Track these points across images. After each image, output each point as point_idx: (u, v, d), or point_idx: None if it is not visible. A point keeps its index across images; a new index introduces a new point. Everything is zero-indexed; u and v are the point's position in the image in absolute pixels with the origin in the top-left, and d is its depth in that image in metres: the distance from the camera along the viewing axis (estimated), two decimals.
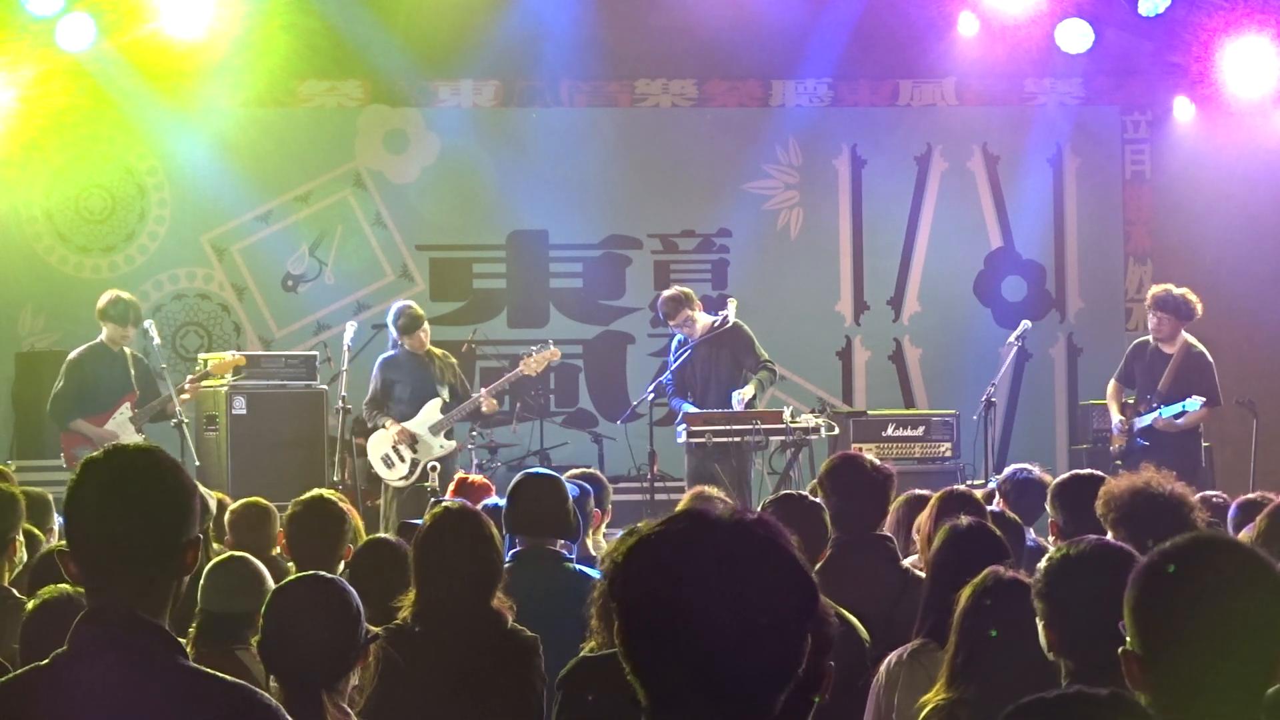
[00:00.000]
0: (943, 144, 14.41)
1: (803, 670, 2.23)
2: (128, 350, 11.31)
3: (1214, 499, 7.34)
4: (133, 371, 11.22)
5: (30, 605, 4.49)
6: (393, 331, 11.60)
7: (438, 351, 11.72)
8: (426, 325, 11.62)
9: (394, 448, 11.46)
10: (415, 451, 11.43)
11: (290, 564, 6.83)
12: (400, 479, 11.45)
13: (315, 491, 6.57)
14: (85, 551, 2.95)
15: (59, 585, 4.50)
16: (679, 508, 2.49)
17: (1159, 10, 12.84)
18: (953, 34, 13.75)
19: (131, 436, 11.24)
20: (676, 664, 2.18)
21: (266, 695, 2.99)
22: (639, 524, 2.47)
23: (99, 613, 2.90)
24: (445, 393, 11.51)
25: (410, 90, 13.97)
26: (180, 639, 5.16)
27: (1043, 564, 3.89)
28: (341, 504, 6.34)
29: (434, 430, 11.42)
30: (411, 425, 11.43)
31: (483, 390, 11.53)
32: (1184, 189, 14.16)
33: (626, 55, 14.03)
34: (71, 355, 11.44)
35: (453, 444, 11.46)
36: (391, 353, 11.64)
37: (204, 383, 11.85)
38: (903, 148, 14.40)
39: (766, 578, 2.20)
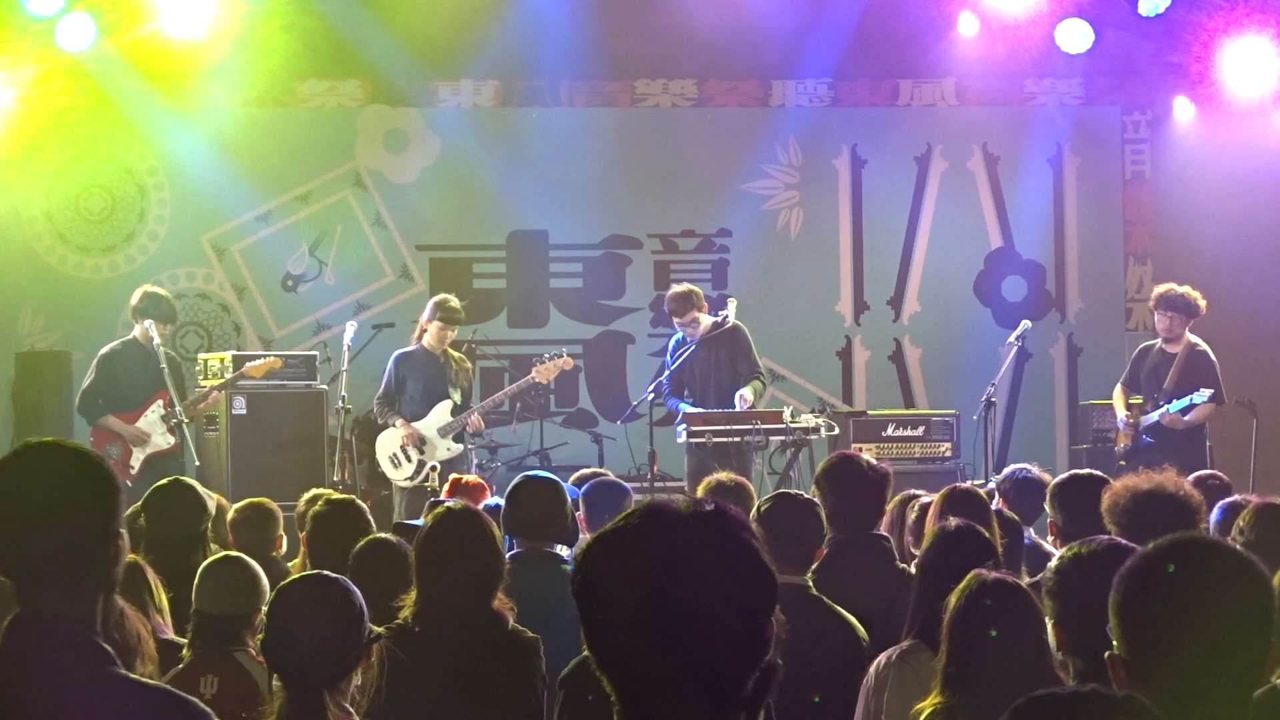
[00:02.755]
0: (943, 144, 14.41)
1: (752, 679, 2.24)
2: (162, 349, 11.27)
3: (1210, 480, 7.31)
4: (166, 369, 11.19)
5: None
6: (427, 313, 11.53)
7: (455, 354, 11.68)
8: (457, 330, 11.56)
9: (402, 448, 11.46)
10: (422, 453, 11.43)
11: (293, 562, 6.85)
12: (406, 479, 11.44)
13: (345, 495, 6.65)
14: (2, 557, 2.86)
15: None
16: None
17: (1159, 10, 12.84)
18: (953, 34, 13.75)
19: (162, 436, 11.26)
20: (643, 657, 2.20)
21: (198, 703, 2.89)
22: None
23: (22, 620, 2.80)
24: (457, 395, 11.49)
25: (410, 90, 13.97)
26: (180, 639, 5.20)
27: (1054, 562, 3.90)
28: (366, 511, 6.41)
29: (442, 433, 11.41)
30: (421, 426, 11.41)
31: (474, 409, 11.45)
32: (1184, 189, 14.16)
33: (626, 55, 14.03)
34: (103, 350, 11.45)
35: (460, 448, 11.44)
36: (408, 349, 11.62)
37: (205, 383, 11.87)
38: (903, 148, 14.40)
39: (726, 565, 2.22)
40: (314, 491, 7.74)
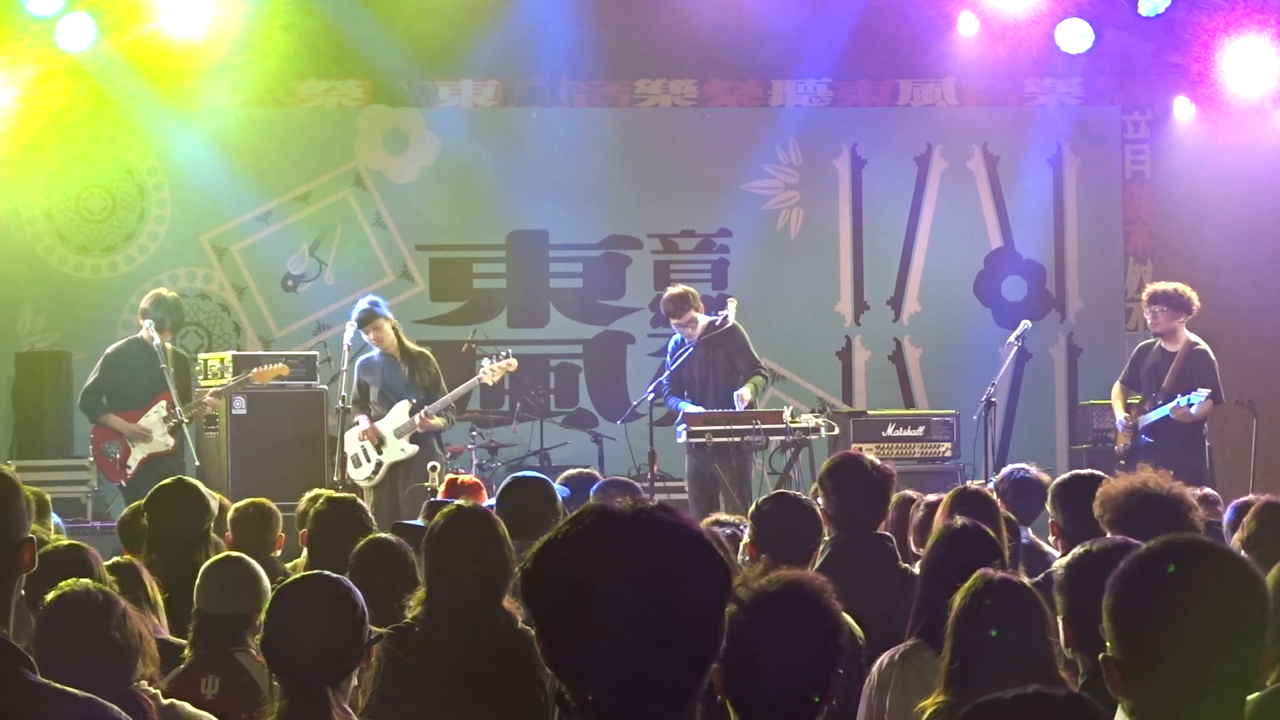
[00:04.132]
0: (943, 144, 14.42)
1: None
2: (169, 348, 11.26)
3: (1205, 496, 7.39)
4: (173, 371, 11.17)
5: (49, 597, 4.43)
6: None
7: (415, 350, 11.61)
8: (383, 325, 11.29)
9: (361, 447, 11.44)
10: (380, 452, 11.41)
11: (295, 562, 6.86)
12: (365, 479, 11.41)
13: (347, 494, 6.67)
14: None
15: (80, 580, 4.47)
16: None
17: (1159, 10, 12.84)
18: (953, 34, 13.75)
19: (162, 437, 11.25)
20: (597, 659, 2.21)
21: (116, 710, 2.87)
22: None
23: None
24: (415, 396, 11.43)
25: (410, 90, 13.97)
26: (180, 640, 5.20)
27: (1066, 560, 3.91)
28: (368, 510, 6.43)
29: (398, 433, 11.38)
30: (380, 425, 11.40)
31: (422, 411, 11.38)
32: (1184, 189, 14.16)
33: (626, 55, 14.03)
34: (108, 350, 11.45)
35: (414, 448, 11.32)
36: (369, 354, 11.60)
37: (205, 383, 11.87)
38: (903, 148, 14.40)
39: (674, 563, 2.23)
40: (315, 491, 7.74)
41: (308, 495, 7.52)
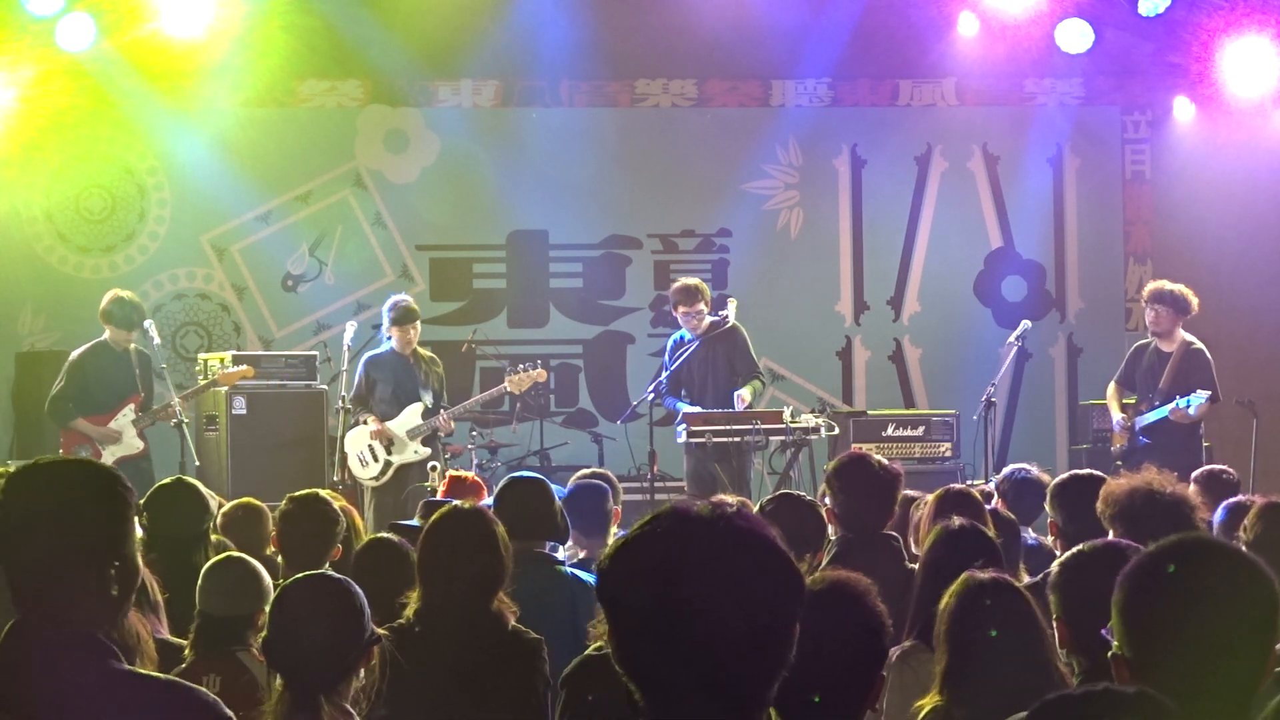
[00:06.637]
0: (943, 144, 14.41)
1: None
2: (133, 349, 11.28)
3: (1222, 475, 7.48)
4: (138, 371, 11.19)
5: None
6: (384, 320, 11.56)
7: (425, 354, 11.66)
8: (418, 325, 11.55)
9: (369, 446, 11.43)
10: (390, 453, 11.40)
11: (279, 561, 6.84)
12: (371, 479, 11.41)
13: (309, 490, 6.62)
14: (7, 565, 2.90)
15: None
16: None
17: (1159, 10, 12.85)
18: (953, 34, 13.76)
19: (132, 438, 11.24)
20: (669, 662, 2.20)
21: (206, 692, 2.95)
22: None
23: (24, 623, 2.85)
24: (428, 398, 11.45)
25: (410, 90, 13.97)
26: (179, 640, 5.19)
27: (1060, 560, 3.90)
28: (336, 504, 6.37)
29: (411, 435, 11.37)
30: (392, 426, 11.40)
31: (443, 412, 11.41)
32: (1184, 189, 14.16)
33: (626, 55, 14.03)
34: (73, 355, 11.46)
35: (427, 451, 11.34)
36: (377, 351, 11.62)
37: (204, 383, 11.87)
38: (903, 148, 14.40)
39: (751, 570, 2.23)
40: (306, 490, 7.70)
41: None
